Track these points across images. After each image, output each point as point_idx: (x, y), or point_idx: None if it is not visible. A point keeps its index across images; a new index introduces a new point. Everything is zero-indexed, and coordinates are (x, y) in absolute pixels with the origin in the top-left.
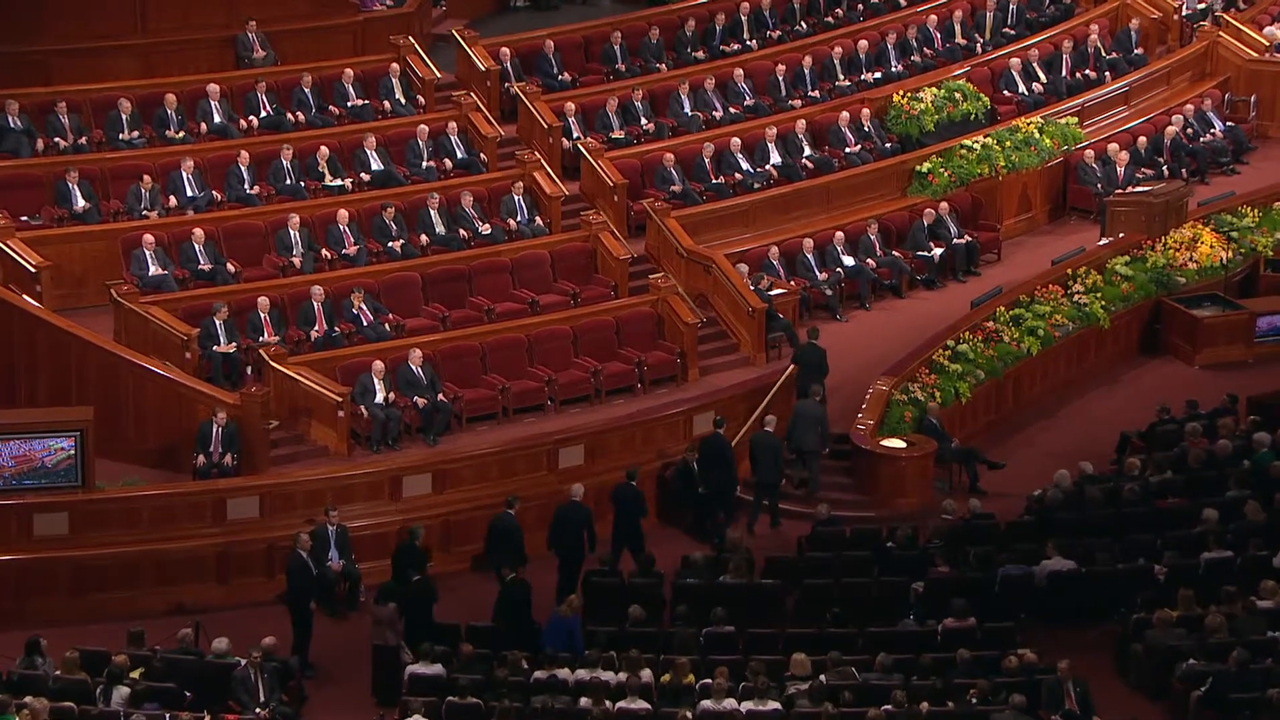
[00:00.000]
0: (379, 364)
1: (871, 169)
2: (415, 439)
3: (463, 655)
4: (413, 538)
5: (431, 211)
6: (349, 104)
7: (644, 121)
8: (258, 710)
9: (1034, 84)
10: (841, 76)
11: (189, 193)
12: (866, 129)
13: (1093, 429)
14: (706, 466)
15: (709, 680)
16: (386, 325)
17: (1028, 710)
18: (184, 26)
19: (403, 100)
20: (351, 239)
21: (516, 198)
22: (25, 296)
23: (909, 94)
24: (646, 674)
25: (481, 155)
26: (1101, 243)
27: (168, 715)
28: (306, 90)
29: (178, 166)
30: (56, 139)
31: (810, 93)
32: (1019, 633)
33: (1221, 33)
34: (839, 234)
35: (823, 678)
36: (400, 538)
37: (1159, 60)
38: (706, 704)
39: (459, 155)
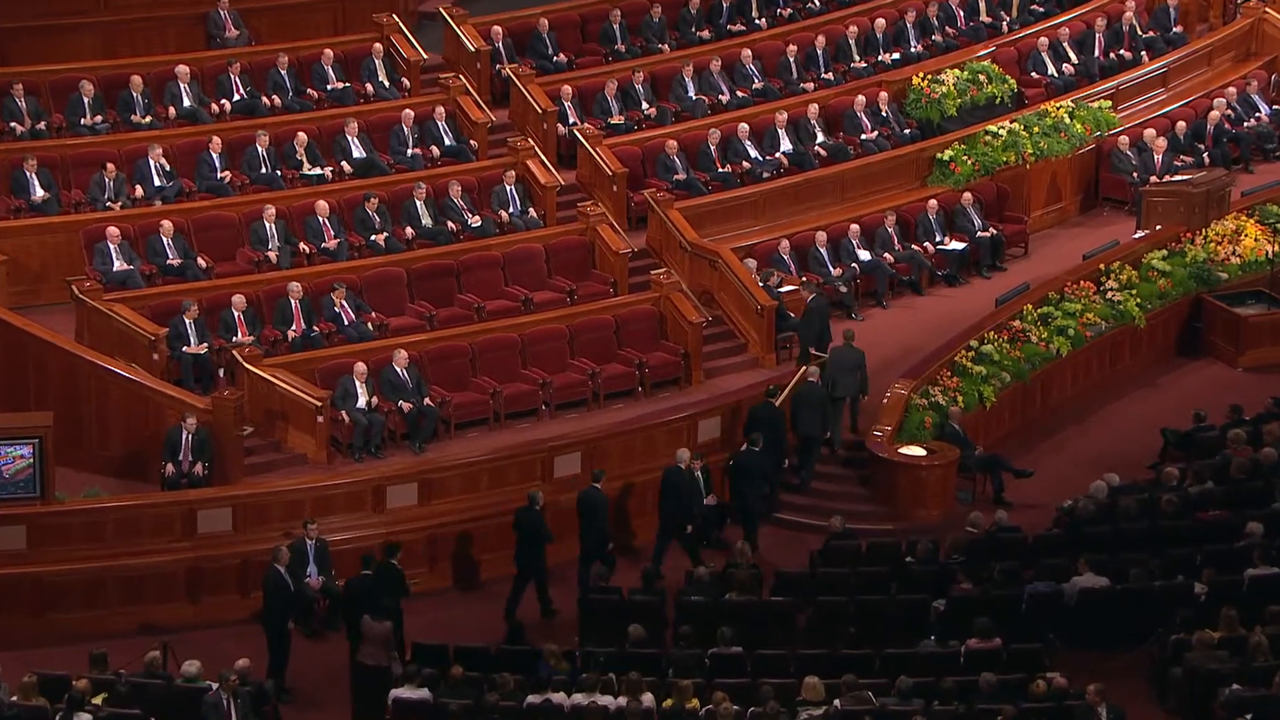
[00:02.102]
0: (361, 366)
1: (889, 157)
2: (400, 446)
3: (452, 678)
4: (532, 503)
5: (417, 202)
6: (329, 87)
7: (645, 106)
8: None
9: (1064, 65)
10: (857, 57)
11: (156, 182)
12: (884, 114)
13: (1127, 435)
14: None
15: (713, 705)
16: (369, 324)
17: None
18: (151, 3)
19: (386, 83)
20: (331, 232)
21: (509, 188)
22: None
23: (929, 76)
24: (648, 698)
25: (471, 142)
26: (1137, 236)
27: None
28: (283, 72)
29: (144, 154)
30: (13, 124)
31: (823, 75)
32: (1047, 655)
33: (1267, 9)
34: (854, 226)
35: (837, 703)
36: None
37: (1199, 39)
38: None
39: (447, 142)
